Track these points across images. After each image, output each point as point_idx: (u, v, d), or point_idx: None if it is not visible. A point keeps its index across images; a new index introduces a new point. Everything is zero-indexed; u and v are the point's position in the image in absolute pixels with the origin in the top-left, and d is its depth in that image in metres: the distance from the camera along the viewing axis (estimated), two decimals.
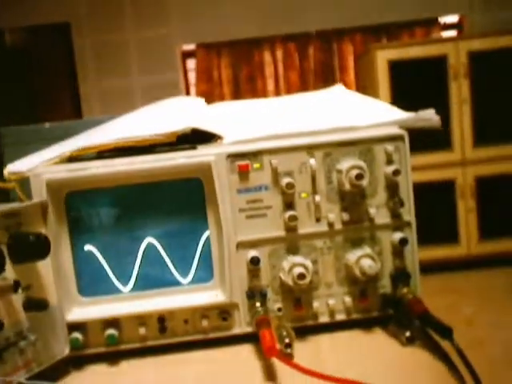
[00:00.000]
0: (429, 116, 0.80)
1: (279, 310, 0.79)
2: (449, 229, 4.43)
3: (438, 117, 0.79)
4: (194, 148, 0.80)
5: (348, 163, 0.75)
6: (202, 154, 0.77)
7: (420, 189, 3.36)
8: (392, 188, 0.78)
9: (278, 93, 4.58)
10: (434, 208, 4.41)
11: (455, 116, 4.21)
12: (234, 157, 0.77)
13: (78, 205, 0.79)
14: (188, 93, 4.84)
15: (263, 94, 4.57)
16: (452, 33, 4.70)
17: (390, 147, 0.77)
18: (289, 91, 4.56)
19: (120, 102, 4.55)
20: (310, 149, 0.77)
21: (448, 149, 4.35)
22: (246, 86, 4.60)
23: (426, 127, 0.80)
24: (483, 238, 4.38)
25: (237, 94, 4.61)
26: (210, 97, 4.61)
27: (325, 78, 4.54)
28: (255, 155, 0.77)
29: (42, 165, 0.79)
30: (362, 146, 0.77)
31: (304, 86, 4.58)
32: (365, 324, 0.80)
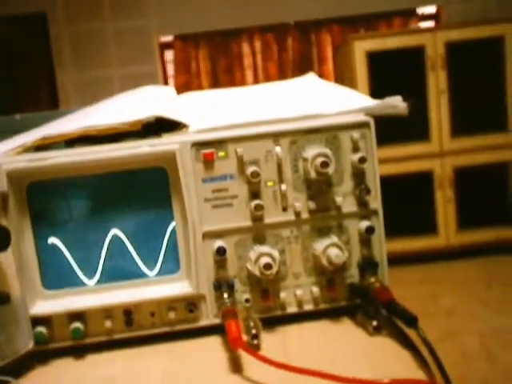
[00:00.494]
0: (395, 103, 0.79)
1: (247, 300, 0.78)
2: (427, 219, 4.46)
3: (405, 104, 0.79)
4: (158, 136, 0.78)
5: (313, 151, 0.74)
6: (167, 143, 0.76)
7: (398, 180, 3.41)
8: (358, 176, 0.77)
9: (256, 84, 4.57)
10: (413, 199, 4.44)
11: (433, 106, 4.24)
12: (198, 145, 0.75)
13: (41, 196, 0.77)
14: (166, 84, 4.81)
15: (242, 85, 4.55)
16: (430, 23, 4.72)
17: (355, 134, 0.76)
18: (267, 82, 4.55)
19: (98, 93, 4.50)
20: (276, 137, 0.75)
21: (426, 140, 4.38)
22: (225, 78, 4.58)
23: (392, 114, 0.79)
24: (461, 228, 4.41)
25: (215, 86, 4.59)
26: (189, 88, 4.58)
27: (303, 68, 4.53)
28: (220, 143, 0.75)
29: (2, 155, 0.78)
30: (328, 134, 0.76)
31: (283, 77, 4.56)
32: (333, 314, 0.79)
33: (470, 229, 3.82)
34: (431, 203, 3.81)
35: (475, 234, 3.81)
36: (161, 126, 0.82)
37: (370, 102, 0.80)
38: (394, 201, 3.77)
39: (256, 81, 4.58)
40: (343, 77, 4.04)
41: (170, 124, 0.83)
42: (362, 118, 0.77)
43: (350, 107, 0.79)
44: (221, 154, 0.75)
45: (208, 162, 0.75)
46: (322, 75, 4.52)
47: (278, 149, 0.75)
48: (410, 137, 3.68)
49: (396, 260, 3.89)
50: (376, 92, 3.65)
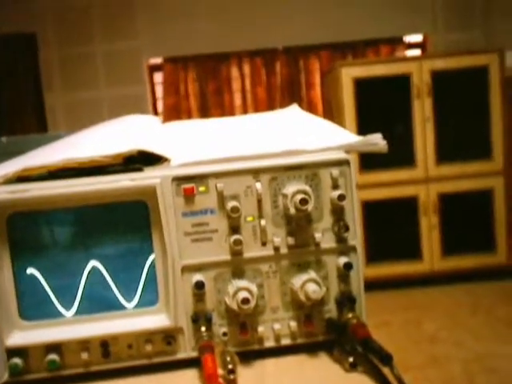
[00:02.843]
0: (376, 141, 0.80)
1: (224, 334, 0.78)
2: (412, 245, 4.48)
3: (385, 141, 0.80)
4: (139, 170, 0.79)
5: (293, 187, 0.75)
6: (147, 177, 0.76)
7: (383, 205, 3.41)
8: (338, 212, 0.78)
9: (245, 107, 4.59)
10: (398, 224, 4.45)
11: (418, 133, 4.28)
12: (179, 180, 0.76)
13: (20, 226, 0.77)
14: (155, 106, 4.83)
15: (230, 108, 4.58)
16: (416, 52, 4.78)
17: (335, 172, 0.77)
18: (256, 106, 4.58)
19: (86, 115, 4.51)
20: (256, 172, 0.76)
21: (411, 166, 4.41)
22: (213, 100, 4.60)
23: (373, 151, 0.81)
24: (445, 254, 4.43)
25: (204, 108, 4.60)
26: (178, 110, 4.60)
27: (291, 93, 4.57)
28: (201, 178, 0.76)
29: None
30: (308, 171, 0.77)
31: (271, 101, 4.60)
32: (310, 348, 0.79)
33: (454, 255, 3.84)
34: (416, 229, 3.83)
35: (459, 260, 3.82)
36: (142, 158, 0.82)
37: (350, 139, 0.81)
38: (379, 226, 3.78)
39: (244, 104, 4.60)
40: (330, 102, 4.07)
41: (152, 156, 0.83)
42: (341, 155, 0.78)
43: (330, 144, 0.80)
44: (201, 188, 0.76)
45: (188, 197, 0.76)
46: (309, 100, 4.55)
47: (258, 185, 0.76)
48: (395, 163, 3.71)
49: (380, 285, 3.89)
50: (362, 118, 3.68)
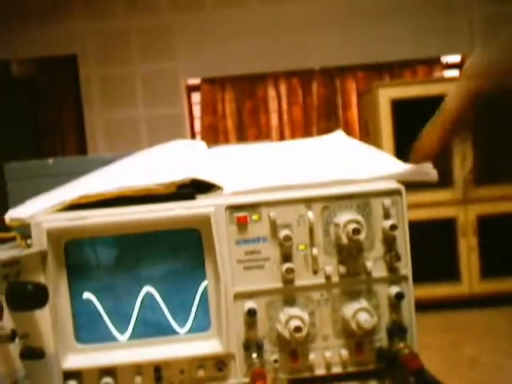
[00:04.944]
0: (427, 170, 0.80)
1: (275, 361, 0.79)
2: (450, 267, 4.39)
3: (436, 171, 0.80)
4: (192, 198, 0.80)
5: (345, 217, 0.75)
6: (201, 206, 0.78)
7: (422, 226, 3.35)
8: (389, 242, 0.78)
9: (281, 127, 4.61)
10: (436, 246, 4.37)
11: (457, 154, 4.22)
12: (232, 208, 0.77)
13: (78, 253, 0.79)
14: (192, 125, 4.88)
15: (266, 128, 4.61)
16: (454, 72, 4.75)
17: (387, 201, 0.77)
18: (292, 126, 4.59)
19: (125, 134, 4.59)
20: (308, 202, 0.77)
21: (450, 187, 4.34)
22: (250, 120, 4.64)
23: (423, 181, 0.81)
24: (484, 276, 4.34)
25: (240, 128, 4.64)
26: (214, 130, 4.65)
27: (328, 113, 4.57)
28: (254, 207, 0.77)
29: (43, 212, 0.80)
30: (360, 200, 0.78)
31: (307, 122, 4.61)
32: (361, 377, 0.79)
33: (494, 277, 3.77)
34: (454, 250, 3.78)
35: (498, 283, 3.76)
36: (194, 186, 0.84)
37: (401, 168, 0.82)
38: (417, 247, 3.74)
39: (281, 124, 4.63)
40: (367, 123, 4.07)
41: (204, 183, 0.85)
42: (393, 185, 0.78)
43: (381, 173, 0.80)
44: (254, 217, 0.77)
45: (241, 225, 0.77)
46: (346, 121, 4.55)
47: (310, 213, 0.77)
48: (433, 184, 3.67)
49: (418, 307, 3.83)
50: (400, 139, 3.66)
